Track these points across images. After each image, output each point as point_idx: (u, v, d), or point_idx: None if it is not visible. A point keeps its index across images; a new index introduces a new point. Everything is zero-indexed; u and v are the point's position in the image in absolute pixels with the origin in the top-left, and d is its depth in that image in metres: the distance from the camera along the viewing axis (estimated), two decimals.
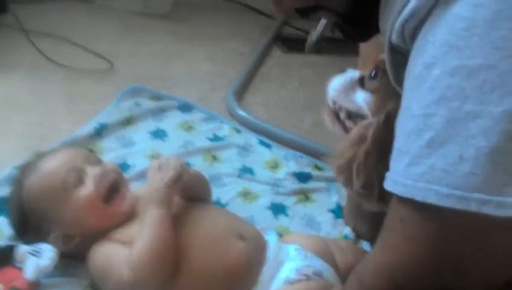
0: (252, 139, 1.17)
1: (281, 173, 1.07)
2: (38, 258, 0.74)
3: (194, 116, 1.22)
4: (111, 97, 1.22)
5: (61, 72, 1.31)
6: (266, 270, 0.75)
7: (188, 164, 1.02)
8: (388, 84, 0.62)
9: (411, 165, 0.46)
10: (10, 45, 1.38)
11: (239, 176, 1.05)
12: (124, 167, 1.01)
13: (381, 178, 0.51)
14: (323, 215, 0.97)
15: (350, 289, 0.56)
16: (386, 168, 0.50)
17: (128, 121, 1.15)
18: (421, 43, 0.48)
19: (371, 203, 0.74)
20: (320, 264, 0.76)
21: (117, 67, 1.37)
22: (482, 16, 0.43)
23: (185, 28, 1.62)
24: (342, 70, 0.85)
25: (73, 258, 0.80)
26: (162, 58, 1.47)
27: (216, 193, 0.94)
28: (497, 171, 0.42)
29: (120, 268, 0.71)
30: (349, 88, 0.82)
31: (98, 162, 0.84)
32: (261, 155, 1.12)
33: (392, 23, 0.52)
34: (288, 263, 0.76)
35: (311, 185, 1.05)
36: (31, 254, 0.74)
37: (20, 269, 0.74)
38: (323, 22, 0.88)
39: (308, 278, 0.73)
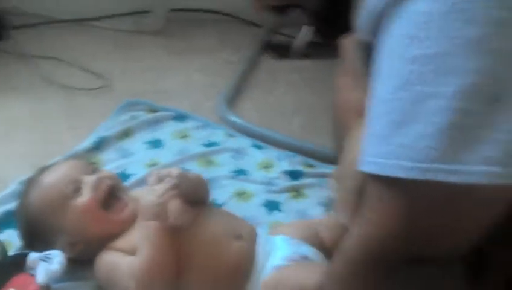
0: (245, 142, 1.19)
1: (274, 172, 1.10)
2: (48, 264, 0.76)
3: (189, 125, 1.23)
4: (108, 112, 1.25)
5: (60, 91, 1.34)
6: (256, 263, 0.77)
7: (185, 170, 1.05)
8: None
9: (381, 145, 0.50)
10: (10, 69, 1.41)
11: (234, 178, 1.07)
12: (124, 176, 1.03)
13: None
14: (315, 208, 1.01)
15: (335, 262, 0.59)
16: None
17: (126, 133, 1.18)
18: (385, 37, 0.53)
19: None
20: (306, 250, 0.79)
21: (113, 84, 1.39)
22: (439, 10, 0.48)
23: (176, 43, 1.63)
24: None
25: (81, 263, 0.82)
26: (155, 73, 1.48)
27: (212, 194, 0.95)
28: (452, 144, 0.46)
29: (124, 280, 0.74)
30: None
31: (95, 171, 0.86)
32: (254, 157, 1.15)
33: (362, 20, 0.57)
34: (275, 252, 0.78)
35: (302, 181, 1.08)
36: (41, 259, 0.76)
37: (32, 275, 0.76)
38: (306, 28, 0.91)
39: (296, 262, 0.75)
